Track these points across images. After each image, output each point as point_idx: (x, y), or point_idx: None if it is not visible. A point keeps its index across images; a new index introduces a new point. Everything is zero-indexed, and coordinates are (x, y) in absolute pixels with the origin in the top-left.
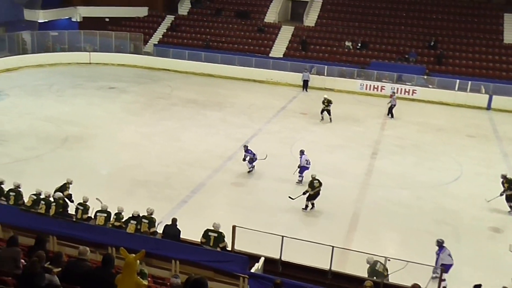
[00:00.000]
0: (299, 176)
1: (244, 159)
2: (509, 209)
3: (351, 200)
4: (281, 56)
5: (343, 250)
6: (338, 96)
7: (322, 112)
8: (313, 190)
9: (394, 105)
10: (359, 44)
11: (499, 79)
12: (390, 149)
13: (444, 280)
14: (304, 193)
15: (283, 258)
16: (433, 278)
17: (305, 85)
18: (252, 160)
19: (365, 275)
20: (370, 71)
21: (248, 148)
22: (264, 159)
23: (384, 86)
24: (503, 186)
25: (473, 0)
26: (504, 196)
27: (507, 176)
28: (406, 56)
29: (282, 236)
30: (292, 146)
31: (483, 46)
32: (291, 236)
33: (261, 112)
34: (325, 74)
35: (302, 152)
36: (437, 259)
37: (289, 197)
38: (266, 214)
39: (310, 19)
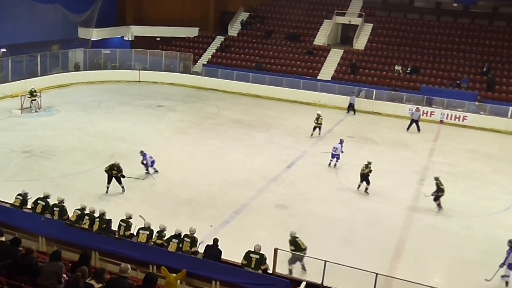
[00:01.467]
0: None
1: (142, 162)
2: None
3: (397, 227)
4: (329, 78)
5: (386, 278)
6: (386, 120)
7: (314, 129)
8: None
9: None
10: (409, 69)
11: None
12: (439, 175)
13: (508, 276)
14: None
15: (325, 283)
16: (501, 276)
17: (351, 108)
18: (147, 165)
19: None
20: (420, 96)
21: (145, 152)
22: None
23: (433, 112)
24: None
25: None
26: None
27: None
28: (458, 82)
29: (325, 261)
30: (338, 170)
31: None
32: (334, 261)
33: (308, 134)
34: (373, 98)
35: None
36: (506, 257)
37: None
38: (309, 237)
39: (360, 42)
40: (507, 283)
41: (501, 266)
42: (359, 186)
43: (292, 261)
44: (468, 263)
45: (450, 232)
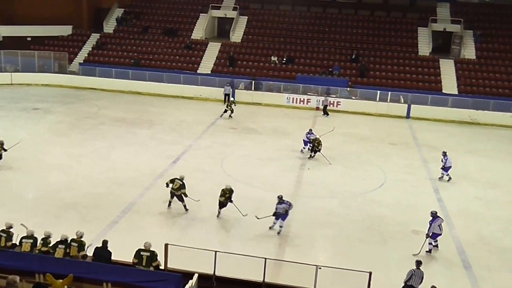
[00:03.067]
0: None
1: None
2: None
3: None
4: (209, 72)
5: (276, 262)
6: (266, 110)
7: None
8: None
9: (327, 105)
10: (285, 59)
11: (416, 89)
12: (318, 160)
13: (431, 244)
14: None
15: (217, 274)
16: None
17: (228, 99)
18: None
19: (297, 284)
20: (296, 85)
21: None
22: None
23: (309, 99)
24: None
25: (390, 16)
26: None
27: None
28: (330, 69)
29: (215, 251)
30: (223, 161)
31: (400, 59)
32: (225, 251)
33: (191, 129)
34: (253, 88)
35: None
36: (429, 228)
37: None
38: (199, 230)
39: (237, 35)
40: (430, 250)
41: (427, 236)
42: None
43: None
44: (350, 241)
45: (332, 212)
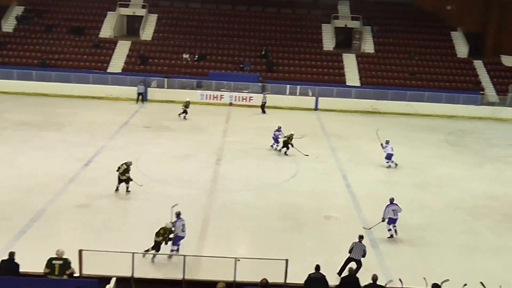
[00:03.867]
0: None
1: None
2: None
3: (200, 208)
4: (120, 71)
5: (195, 258)
6: (180, 108)
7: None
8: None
9: (265, 103)
10: (196, 56)
11: (322, 83)
12: (233, 154)
13: (390, 230)
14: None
15: (135, 275)
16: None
17: (142, 98)
18: None
19: (218, 278)
20: (209, 82)
21: None
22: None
23: (223, 95)
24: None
25: (295, 13)
26: None
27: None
28: (241, 65)
29: (133, 253)
30: (137, 160)
31: (307, 54)
32: (142, 251)
33: (103, 129)
34: (165, 86)
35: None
36: (384, 211)
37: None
38: (115, 233)
39: (147, 33)
40: (392, 236)
41: (383, 220)
42: None
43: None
44: (267, 231)
45: (249, 205)
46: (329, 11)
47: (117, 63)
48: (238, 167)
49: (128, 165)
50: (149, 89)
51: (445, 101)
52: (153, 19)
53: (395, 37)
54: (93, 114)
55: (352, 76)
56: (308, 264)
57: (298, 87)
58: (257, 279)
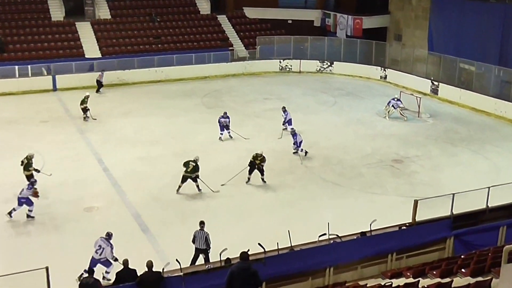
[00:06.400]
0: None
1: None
2: None
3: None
4: None
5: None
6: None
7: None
8: None
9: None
10: None
11: (57, 58)
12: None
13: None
14: None
15: None
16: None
17: None
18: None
19: None
20: None
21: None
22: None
23: None
24: None
25: None
26: None
27: None
28: None
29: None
30: None
31: (34, 27)
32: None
33: None
34: None
35: None
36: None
37: None
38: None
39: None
40: (306, 152)
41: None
42: None
43: None
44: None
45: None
46: None
47: None
48: None
49: (196, 161)
50: None
51: (196, 62)
52: None
53: None
54: None
55: (90, 47)
56: (72, 265)
57: (29, 66)
58: None
